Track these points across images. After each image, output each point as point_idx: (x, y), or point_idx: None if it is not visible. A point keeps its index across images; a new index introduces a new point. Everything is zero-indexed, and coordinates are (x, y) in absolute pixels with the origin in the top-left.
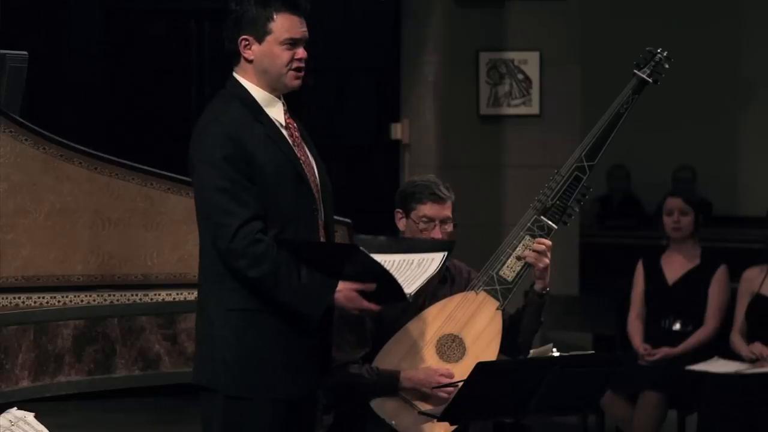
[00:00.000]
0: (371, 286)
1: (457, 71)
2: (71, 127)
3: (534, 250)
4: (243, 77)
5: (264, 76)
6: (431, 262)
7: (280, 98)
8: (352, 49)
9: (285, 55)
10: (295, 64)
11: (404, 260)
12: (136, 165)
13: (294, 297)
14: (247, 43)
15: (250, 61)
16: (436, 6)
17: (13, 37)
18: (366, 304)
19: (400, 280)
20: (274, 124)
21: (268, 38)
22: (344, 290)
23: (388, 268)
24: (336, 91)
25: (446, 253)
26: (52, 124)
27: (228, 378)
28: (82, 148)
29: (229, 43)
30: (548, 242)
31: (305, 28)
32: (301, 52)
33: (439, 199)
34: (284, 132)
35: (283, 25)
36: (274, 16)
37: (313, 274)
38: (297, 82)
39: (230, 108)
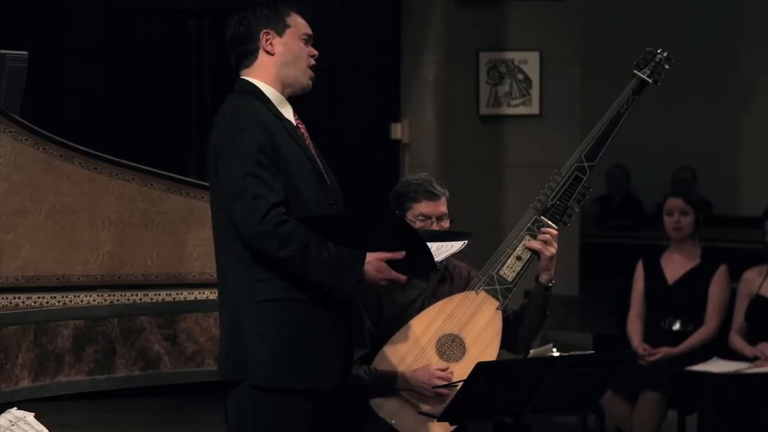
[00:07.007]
0: (400, 254)
1: (457, 71)
2: (71, 127)
3: (541, 239)
4: (255, 77)
5: (283, 70)
6: (451, 247)
7: (288, 101)
8: (352, 49)
9: (305, 50)
10: (311, 62)
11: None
12: (136, 165)
13: (325, 273)
14: (269, 36)
15: (272, 54)
16: (436, 6)
17: (13, 37)
18: (394, 274)
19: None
20: (289, 121)
21: (288, 31)
22: (373, 261)
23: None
24: (336, 91)
25: (465, 242)
26: (52, 124)
27: (258, 369)
28: (82, 148)
29: (244, 43)
30: (554, 231)
31: None
32: (313, 50)
33: (433, 197)
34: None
35: (299, 20)
36: (290, 13)
37: (340, 248)
38: (310, 83)
39: (250, 100)
